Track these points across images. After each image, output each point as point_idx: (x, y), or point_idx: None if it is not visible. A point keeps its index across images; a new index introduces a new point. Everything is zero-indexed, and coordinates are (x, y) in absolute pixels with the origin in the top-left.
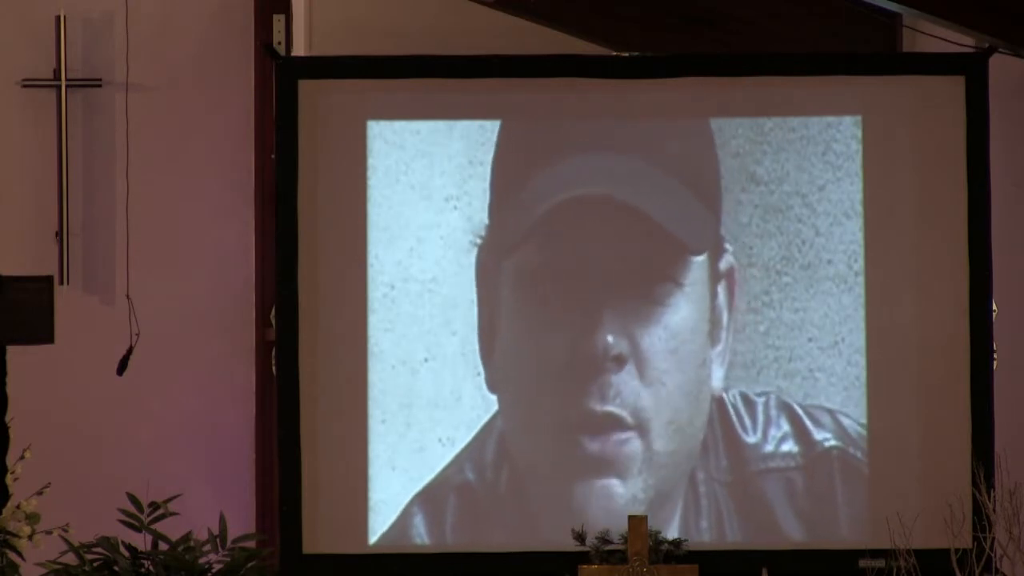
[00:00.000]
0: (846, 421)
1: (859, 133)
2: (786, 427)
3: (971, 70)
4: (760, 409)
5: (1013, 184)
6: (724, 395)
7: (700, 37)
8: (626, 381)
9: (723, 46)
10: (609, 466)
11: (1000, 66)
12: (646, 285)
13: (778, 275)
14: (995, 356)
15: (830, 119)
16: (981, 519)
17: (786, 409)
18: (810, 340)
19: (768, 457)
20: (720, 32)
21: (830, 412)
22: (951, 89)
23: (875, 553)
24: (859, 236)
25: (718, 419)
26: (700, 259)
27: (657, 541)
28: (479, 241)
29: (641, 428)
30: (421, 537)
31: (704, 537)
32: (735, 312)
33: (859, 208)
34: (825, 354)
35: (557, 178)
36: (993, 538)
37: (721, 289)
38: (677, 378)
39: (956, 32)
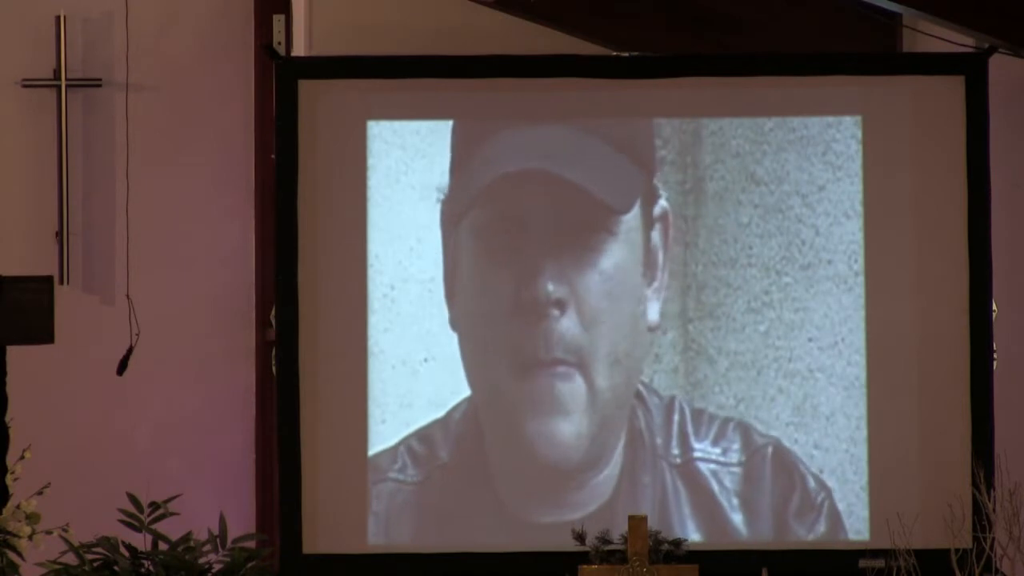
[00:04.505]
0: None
1: (859, 133)
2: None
3: (971, 70)
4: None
5: (1013, 185)
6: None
7: (700, 37)
8: (568, 327)
9: (723, 46)
10: (556, 402)
11: (1000, 66)
12: (582, 236)
13: (778, 275)
14: (995, 356)
15: (830, 119)
16: (981, 519)
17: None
18: (810, 340)
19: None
20: (720, 32)
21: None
22: (951, 89)
23: (875, 553)
24: (859, 236)
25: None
26: (631, 213)
27: (657, 541)
28: (442, 196)
29: (583, 366)
30: (421, 537)
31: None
32: (670, 251)
33: (859, 208)
34: (825, 354)
35: (501, 151)
36: (993, 538)
37: (656, 233)
38: (614, 316)
39: (956, 32)
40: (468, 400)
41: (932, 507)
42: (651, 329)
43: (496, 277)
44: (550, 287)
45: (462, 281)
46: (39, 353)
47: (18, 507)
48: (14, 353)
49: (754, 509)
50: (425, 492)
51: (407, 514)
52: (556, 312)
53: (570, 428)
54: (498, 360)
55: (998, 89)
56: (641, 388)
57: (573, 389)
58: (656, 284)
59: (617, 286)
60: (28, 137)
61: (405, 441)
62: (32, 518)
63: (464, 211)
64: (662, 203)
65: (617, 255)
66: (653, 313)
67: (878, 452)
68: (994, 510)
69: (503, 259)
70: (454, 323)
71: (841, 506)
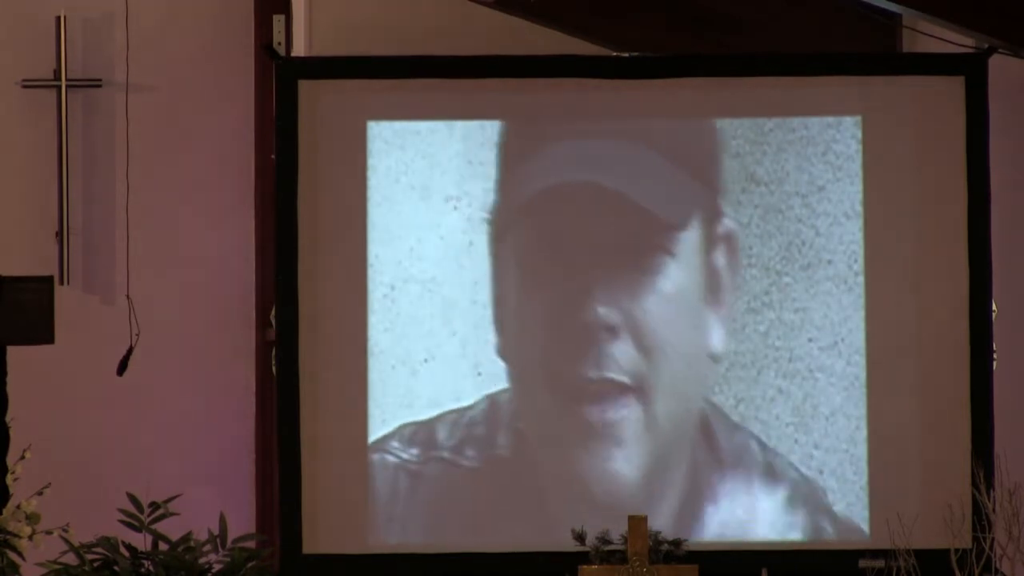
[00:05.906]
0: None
1: (859, 133)
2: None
3: (971, 70)
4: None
5: (1013, 185)
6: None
7: (700, 37)
8: (623, 350)
9: (723, 46)
10: (610, 434)
11: (1000, 66)
12: (636, 256)
13: (778, 275)
14: (995, 356)
15: (830, 119)
16: (981, 519)
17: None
18: (810, 340)
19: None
20: (720, 32)
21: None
22: (951, 89)
23: (875, 553)
24: (859, 236)
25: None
26: (689, 231)
27: (657, 541)
28: (489, 217)
29: (641, 393)
30: (422, 536)
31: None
32: (739, 274)
33: (859, 208)
34: (825, 354)
35: (548, 161)
36: (993, 538)
37: (720, 253)
38: (674, 342)
39: (956, 32)
40: (490, 399)
41: (932, 507)
42: (714, 359)
43: (542, 302)
44: (600, 311)
45: (511, 306)
46: (39, 353)
47: (18, 507)
48: (14, 353)
49: None
50: (455, 487)
51: (419, 508)
52: (608, 337)
53: (624, 463)
54: (545, 383)
55: (998, 89)
56: (707, 412)
57: (629, 419)
58: (724, 310)
59: (677, 310)
60: (28, 137)
61: (435, 420)
62: (32, 518)
63: (506, 228)
64: (727, 222)
65: (675, 277)
66: (717, 341)
67: (878, 452)
68: (994, 510)
69: (550, 284)
70: (502, 352)
71: (841, 506)
